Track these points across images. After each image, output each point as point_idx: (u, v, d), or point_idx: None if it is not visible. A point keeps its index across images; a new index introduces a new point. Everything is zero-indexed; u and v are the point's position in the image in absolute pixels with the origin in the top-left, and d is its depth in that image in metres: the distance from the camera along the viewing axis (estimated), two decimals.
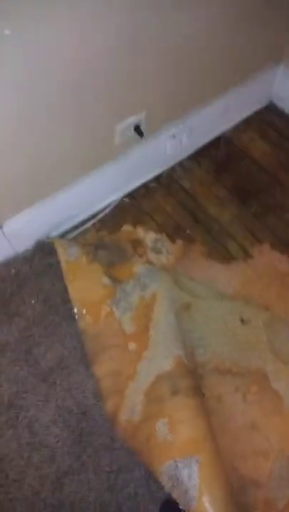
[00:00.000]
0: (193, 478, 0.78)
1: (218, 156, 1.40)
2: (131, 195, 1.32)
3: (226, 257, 1.21)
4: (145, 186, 1.34)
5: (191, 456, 0.80)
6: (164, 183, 1.35)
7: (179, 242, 1.24)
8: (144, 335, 1.00)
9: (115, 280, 1.11)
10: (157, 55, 1.00)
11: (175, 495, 0.79)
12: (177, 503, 0.79)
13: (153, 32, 0.94)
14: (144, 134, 1.16)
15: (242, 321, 1.06)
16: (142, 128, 1.14)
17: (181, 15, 0.95)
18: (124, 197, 1.31)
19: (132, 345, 1.01)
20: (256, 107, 1.48)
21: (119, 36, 0.88)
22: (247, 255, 1.21)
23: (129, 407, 0.92)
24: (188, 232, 1.26)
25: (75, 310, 1.05)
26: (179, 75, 1.11)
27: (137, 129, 1.14)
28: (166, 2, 0.90)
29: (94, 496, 0.87)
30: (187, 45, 1.04)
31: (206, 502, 0.76)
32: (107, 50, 0.88)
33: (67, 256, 1.11)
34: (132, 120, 1.11)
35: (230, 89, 1.30)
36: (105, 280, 1.08)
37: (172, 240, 1.24)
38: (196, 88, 1.20)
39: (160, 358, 0.94)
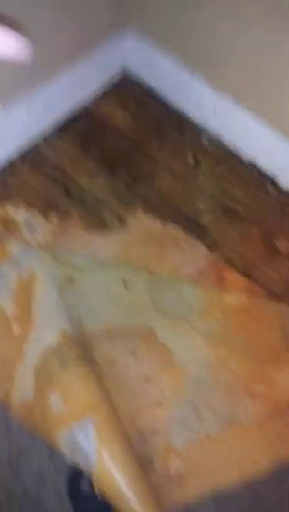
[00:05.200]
0: (89, 440, 0.78)
1: (81, 128, 1.38)
2: None
3: (102, 227, 1.21)
4: (9, 164, 1.25)
5: (85, 420, 0.80)
6: (30, 158, 1.28)
7: (54, 218, 1.20)
8: (28, 316, 0.96)
9: None
10: None
11: (77, 461, 0.79)
12: (82, 470, 0.79)
13: None
14: None
15: (125, 285, 1.07)
16: None
17: None
18: None
19: (15, 329, 0.95)
20: (112, 76, 1.48)
21: None
22: (122, 222, 1.23)
23: (21, 388, 0.88)
24: (61, 206, 1.22)
25: None
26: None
27: None
28: None
29: None
30: (26, 13, 0.98)
31: (106, 460, 0.78)
32: None
33: None
34: None
35: (81, 58, 1.27)
36: None
37: (46, 216, 1.19)
38: (45, 57, 1.15)
39: (46, 334, 0.91)
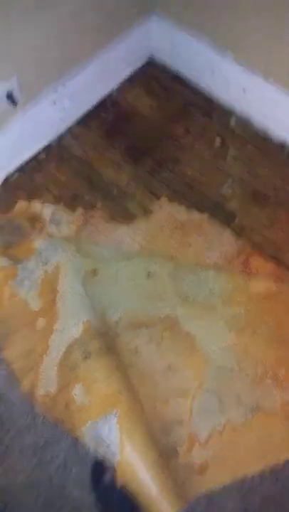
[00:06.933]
0: (113, 432, 0.79)
1: (107, 118, 1.38)
2: (21, 169, 1.26)
3: (127, 217, 1.21)
4: (35, 158, 1.28)
5: (109, 412, 0.81)
6: (55, 152, 1.30)
7: (79, 209, 1.21)
8: (52, 309, 0.99)
9: (15, 260, 1.07)
10: (22, 12, 0.94)
11: (100, 453, 0.81)
12: (104, 461, 0.80)
13: None
14: (20, 102, 1.10)
15: (149, 274, 1.07)
16: (16, 94, 1.08)
17: None
18: (14, 172, 1.25)
19: (41, 322, 0.98)
20: (138, 63, 1.46)
21: None
22: (147, 211, 1.22)
23: (45, 380, 0.91)
24: (87, 198, 1.24)
25: None
26: (49, 33, 1.05)
27: (10, 97, 1.08)
28: None
29: (22, 477, 0.85)
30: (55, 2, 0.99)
31: (129, 451, 0.79)
32: None
33: None
34: (3, 87, 1.04)
35: (107, 47, 1.27)
36: (3, 261, 1.04)
37: (71, 209, 1.21)
38: (70, 48, 1.15)
39: (69, 327, 0.93)
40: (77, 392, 0.84)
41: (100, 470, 0.86)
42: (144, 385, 0.92)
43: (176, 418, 0.91)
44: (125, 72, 1.44)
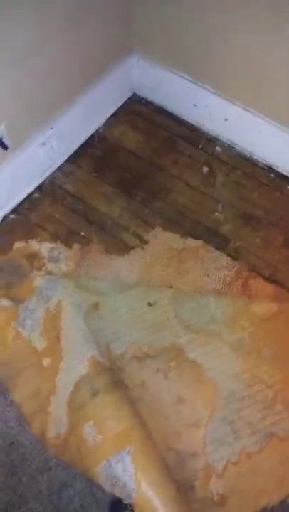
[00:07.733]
0: (127, 470, 0.78)
1: (95, 154, 1.41)
2: (15, 210, 1.28)
3: (123, 248, 1.23)
4: (29, 198, 1.30)
5: (122, 450, 0.79)
6: (48, 191, 1.33)
7: (76, 245, 1.23)
8: (57, 346, 0.98)
9: (17, 300, 1.07)
10: (11, 59, 0.98)
11: (117, 492, 0.79)
12: (121, 500, 0.79)
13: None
14: (10, 146, 1.13)
15: (149, 304, 1.08)
16: (5, 140, 1.11)
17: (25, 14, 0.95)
18: (8, 214, 1.26)
19: (46, 361, 0.98)
20: (121, 100, 1.51)
21: None
22: (142, 242, 1.24)
23: (55, 422, 0.89)
24: (82, 234, 1.25)
25: None
26: (33, 78, 1.09)
27: (0, 143, 1.10)
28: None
29: None
30: (37, 47, 1.04)
31: (146, 488, 0.77)
32: None
33: None
34: None
35: (90, 87, 1.31)
36: (5, 302, 1.04)
37: (68, 245, 1.23)
38: (54, 90, 1.20)
39: (74, 364, 0.93)
40: (87, 431, 0.83)
41: (117, 509, 0.84)
42: (154, 419, 0.91)
43: (190, 450, 0.90)
44: (110, 109, 1.48)
